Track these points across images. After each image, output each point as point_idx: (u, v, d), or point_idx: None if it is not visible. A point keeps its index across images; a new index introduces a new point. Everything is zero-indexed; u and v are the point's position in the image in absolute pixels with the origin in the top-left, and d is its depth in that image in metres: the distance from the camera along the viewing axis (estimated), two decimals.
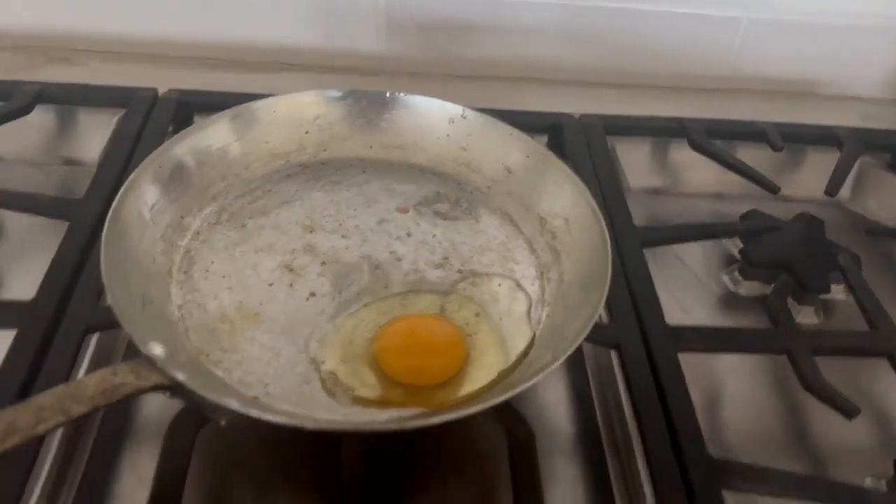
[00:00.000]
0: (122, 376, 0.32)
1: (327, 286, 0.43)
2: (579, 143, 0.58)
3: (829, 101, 0.70)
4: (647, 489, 0.40)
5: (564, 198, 0.46)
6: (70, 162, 0.60)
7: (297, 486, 0.39)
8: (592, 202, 0.45)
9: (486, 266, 0.46)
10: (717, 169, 0.61)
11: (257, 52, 0.67)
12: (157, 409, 0.41)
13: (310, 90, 0.50)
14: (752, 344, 0.45)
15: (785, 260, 0.52)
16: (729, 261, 0.55)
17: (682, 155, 0.62)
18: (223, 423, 0.35)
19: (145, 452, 0.40)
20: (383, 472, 0.39)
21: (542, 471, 0.40)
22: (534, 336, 0.42)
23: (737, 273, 0.54)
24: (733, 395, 0.47)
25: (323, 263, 0.44)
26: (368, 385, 0.39)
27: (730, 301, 0.53)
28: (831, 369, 0.44)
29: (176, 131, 0.48)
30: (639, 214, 0.54)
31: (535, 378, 0.36)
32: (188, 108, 0.58)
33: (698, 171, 0.62)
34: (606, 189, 0.54)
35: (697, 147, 0.59)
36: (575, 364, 0.46)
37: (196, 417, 0.37)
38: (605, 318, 0.46)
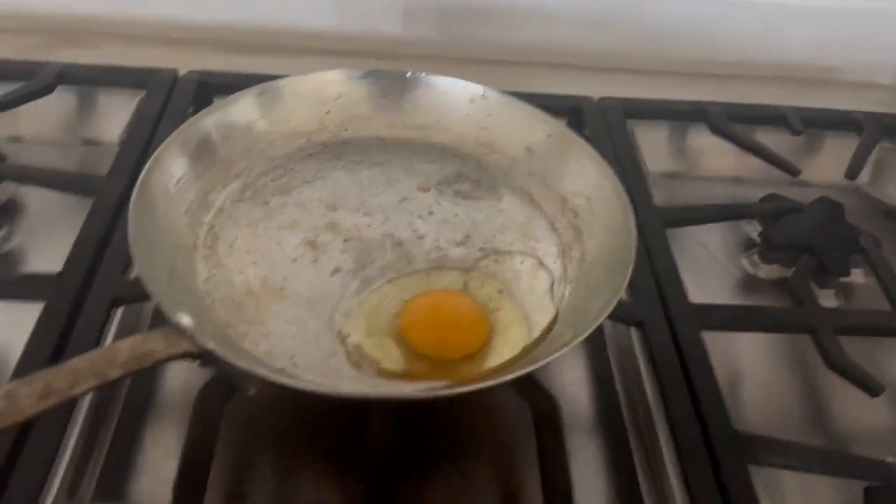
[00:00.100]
0: (154, 343, 0.32)
1: (350, 262, 0.43)
2: (598, 126, 0.58)
3: (848, 86, 0.70)
4: (670, 465, 0.40)
5: (587, 177, 0.46)
6: (89, 142, 0.60)
7: (325, 456, 0.39)
8: (616, 181, 0.45)
9: (507, 244, 0.46)
10: (735, 154, 0.61)
11: (274, 35, 0.67)
12: (180, 382, 0.42)
13: (333, 69, 0.50)
14: (776, 323, 0.45)
15: (806, 242, 0.52)
16: (747, 244, 0.55)
17: (700, 139, 0.62)
18: (252, 392, 0.35)
19: (169, 425, 0.40)
20: (410, 443, 0.39)
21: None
22: (557, 313, 0.42)
23: (756, 256, 0.54)
24: (751, 374, 0.47)
25: (346, 240, 0.45)
26: (393, 358, 0.39)
27: (749, 284, 0.53)
28: (849, 350, 0.44)
29: (196, 112, 0.48)
30: (657, 198, 0.54)
31: (559, 351, 0.36)
32: (208, 90, 0.58)
33: (716, 156, 0.62)
34: (626, 171, 0.54)
35: (717, 131, 0.59)
36: (595, 342, 0.46)
37: (224, 388, 0.38)
38: (627, 296, 0.46)
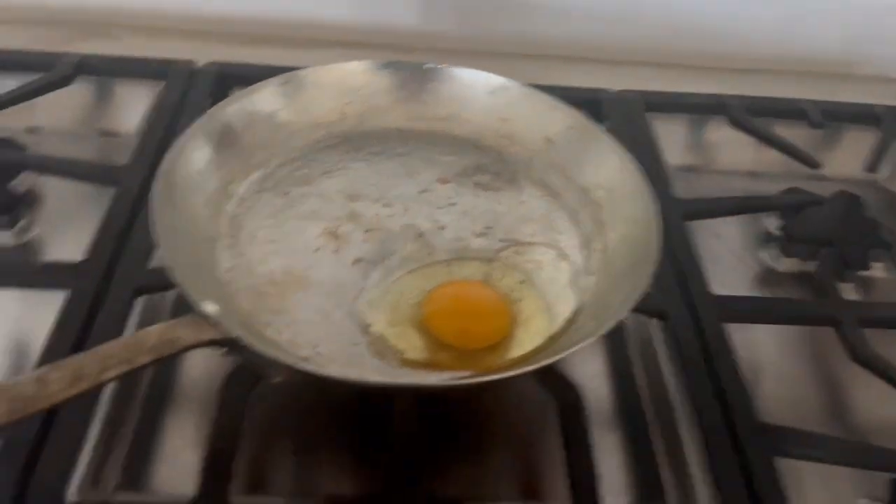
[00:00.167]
0: (182, 330, 0.32)
1: (372, 253, 0.43)
2: (617, 119, 0.58)
3: (868, 80, 0.69)
4: (692, 457, 0.40)
5: (608, 168, 0.46)
6: (106, 133, 0.60)
7: (348, 445, 0.39)
8: (638, 173, 0.45)
9: (528, 235, 0.45)
10: (753, 147, 0.61)
11: (290, 28, 0.67)
12: (200, 371, 0.42)
13: (354, 61, 0.50)
14: (799, 315, 0.45)
15: (827, 236, 0.51)
16: (766, 238, 0.55)
17: (718, 133, 0.62)
18: (277, 380, 0.35)
19: (191, 414, 0.40)
20: (433, 432, 0.39)
21: None
22: (579, 304, 0.42)
23: (776, 250, 0.53)
24: (770, 366, 0.47)
25: (367, 231, 0.45)
26: (417, 348, 0.39)
27: (769, 277, 0.53)
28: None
29: (214, 103, 0.48)
30: (675, 191, 0.53)
31: (584, 342, 0.36)
32: (226, 81, 0.58)
33: (734, 150, 0.62)
34: (646, 163, 0.54)
35: (737, 124, 0.59)
36: (614, 333, 0.46)
37: (249, 376, 0.38)
38: (649, 288, 0.46)
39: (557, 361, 0.36)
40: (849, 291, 0.51)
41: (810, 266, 0.52)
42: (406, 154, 0.50)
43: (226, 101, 0.46)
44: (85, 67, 0.57)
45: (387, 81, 0.51)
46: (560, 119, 0.49)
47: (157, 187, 0.39)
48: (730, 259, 0.54)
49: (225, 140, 0.45)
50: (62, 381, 0.28)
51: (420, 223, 0.45)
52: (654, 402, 0.43)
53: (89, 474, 0.36)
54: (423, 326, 0.40)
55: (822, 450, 0.38)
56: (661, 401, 0.43)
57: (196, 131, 0.44)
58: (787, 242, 0.52)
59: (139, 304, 0.43)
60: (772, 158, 0.60)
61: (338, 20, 0.66)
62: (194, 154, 0.43)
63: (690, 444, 0.40)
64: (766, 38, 0.68)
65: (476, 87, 0.51)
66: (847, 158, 0.62)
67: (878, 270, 0.52)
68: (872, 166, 0.58)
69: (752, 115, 0.59)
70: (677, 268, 0.46)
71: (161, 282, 0.42)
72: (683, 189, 0.58)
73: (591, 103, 0.59)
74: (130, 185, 0.47)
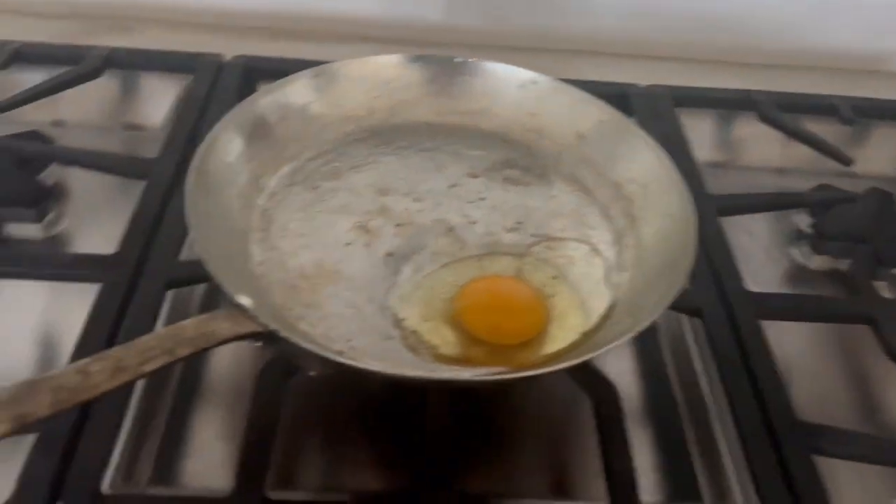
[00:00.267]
0: (220, 322, 0.32)
1: (403, 247, 0.43)
2: (645, 114, 0.57)
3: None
4: (728, 455, 0.40)
5: (641, 163, 0.46)
6: (131, 127, 0.61)
7: (380, 440, 0.38)
8: (672, 168, 0.44)
9: (560, 231, 0.45)
10: (781, 144, 0.60)
11: (316, 22, 0.67)
12: (229, 365, 0.42)
13: (385, 54, 0.50)
14: (835, 313, 0.45)
15: (860, 233, 0.51)
16: (797, 235, 0.54)
17: (746, 129, 0.61)
18: (313, 373, 0.34)
19: (221, 408, 0.40)
20: (467, 427, 0.39)
21: None
22: (614, 300, 0.41)
23: (807, 247, 0.53)
24: (802, 364, 0.46)
25: (397, 225, 0.44)
26: (450, 343, 0.38)
27: (800, 275, 0.52)
28: None
29: (240, 99, 0.48)
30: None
31: (622, 338, 0.36)
32: (253, 75, 0.58)
33: (761, 146, 0.61)
34: (676, 158, 0.53)
35: (767, 119, 0.58)
36: (646, 330, 0.45)
37: (282, 371, 0.37)
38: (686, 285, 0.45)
39: (592, 358, 0.36)
40: (882, 289, 0.51)
41: (841, 264, 0.51)
42: (434, 148, 0.50)
43: (258, 92, 0.46)
44: (113, 61, 0.57)
45: (416, 75, 0.51)
46: (591, 113, 0.49)
47: (191, 177, 0.39)
48: (760, 256, 0.53)
49: (257, 132, 0.45)
50: (103, 372, 0.28)
51: (451, 218, 0.45)
52: (687, 399, 0.43)
53: (122, 468, 0.36)
54: (456, 321, 0.39)
55: (861, 448, 0.37)
56: (695, 398, 0.42)
57: (229, 122, 0.43)
58: (819, 239, 0.52)
59: (168, 298, 0.43)
60: (800, 155, 0.60)
61: (363, 14, 0.66)
62: (227, 146, 0.43)
63: (724, 441, 0.40)
64: (796, 33, 0.67)
65: (506, 81, 0.51)
66: (877, 155, 0.62)
67: None
68: None
69: (782, 111, 0.59)
70: (712, 264, 0.45)
71: (192, 275, 0.42)
72: (712, 185, 0.57)
73: (619, 98, 0.58)
74: (160, 179, 0.47)
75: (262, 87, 0.47)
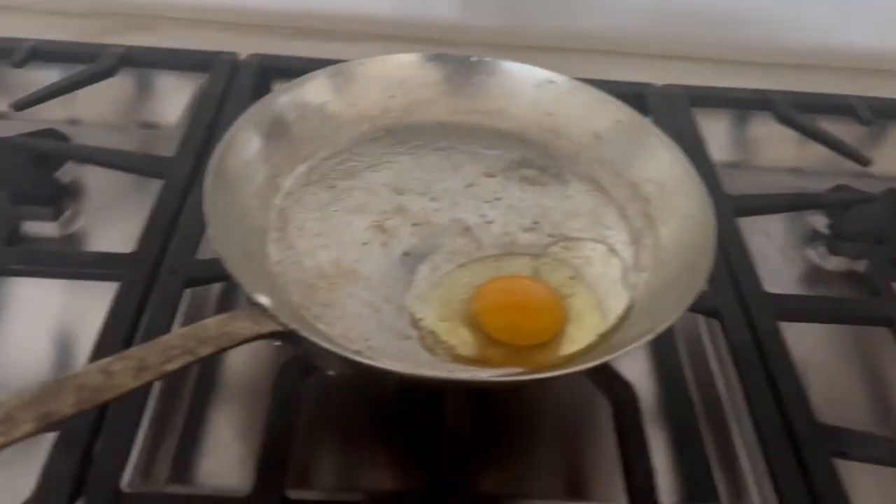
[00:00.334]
0: (241, 321, 0.32)
1: (420, 247, 0.43)
2: (661, 114, 0.57)
3: None
4: (745, 457, 0.39)
5: (658, 163, 0.46)
6: (146, 125, 0.61)
7: (397, 440, 0.38)
8: (690, 168, 0.44)
9: (577, 231, 0.45)
10: (797, 144, 0.60)
11: (331, 21, 0.67)
12: (245, 364, 0.42)
13: (401, 53, 0.50)
14: (853, 314, 0.44)
15: (878, 234, 0.50)
16: (814, 236, 0.54)
17: (762, 129, 0.61)
18: (332, 373, 0.34)
19: (238, 407, 0.40)
20: (484, 428, 0.39)
21: None
22: (631, 300, 0.41)
23: (823, 248, 0.53)
24: (819, 365, 0.45)
25: (414, 224, 0.44)
26: (467, 344, 0.38)
27: (816, 276, 0.52)
28: None
29: (255, 98, 0.48)
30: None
31: (640, 340, 0.36)
32: (267, 74, 0.58)
33: (777, 146, 0.61)
34: (692, 158, 0.53)
35: (784, 119, 0.58)
36: (662, 332, 0.45)
37: (301, 370, 0.37)
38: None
39: (610, 360, 0.36)
40: None
41: (859, 265, 0.51)
42: (450, 148, 0.50)
43: (276, 91, 0.46)
44: (129, 59, 0.57)
45: (433, 74, 0.51)
46: (609, 113, 0.49)
47: (210, 175, 0.39)
48: (777, 257, 0.53)
49: (275, 131, 0.45)
50: (126, 372, 0.28)
51: (467, 217, 0.45)
52: (704, 400, 0.42)
53: (141, 467, 0.36)
54: (474, 322, 0.39)
55: (882, 451, 0.37)
56: (711, 399, 0.42)
57: (247, 121, 0.43)
58: (836, 240, 0.52)
59: (185, 297, 0.43)
60: (816, 155, 0.59)
61: (379, 13, 0.66)
62: (245, 144, 0.43)
63: (741, 443, 0.40)
64: (813, 32, 0.67)
65: (522, 81, 0.51)
66: (891, 156, 0.61)
67: None
68: None
69: (799, 111, 0.59)
70: (729, 265, 0.45)
71: (210, 273, 0.42)
72: (728, 185, 0.57)
73: (635, 98, 0.58)
74: (177, 177, 0.47)
75: (279, 86, 0.47)
